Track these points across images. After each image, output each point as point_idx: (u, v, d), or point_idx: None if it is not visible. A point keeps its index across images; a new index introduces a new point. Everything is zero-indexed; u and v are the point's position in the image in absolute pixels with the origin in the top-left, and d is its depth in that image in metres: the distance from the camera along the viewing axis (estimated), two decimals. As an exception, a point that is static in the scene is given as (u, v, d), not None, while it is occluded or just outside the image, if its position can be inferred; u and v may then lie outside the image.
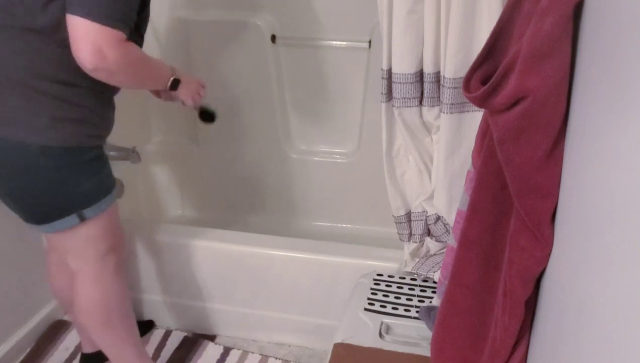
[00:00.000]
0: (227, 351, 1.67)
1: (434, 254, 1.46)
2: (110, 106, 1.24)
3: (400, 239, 1.48)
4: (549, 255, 0.69)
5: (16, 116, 1.09)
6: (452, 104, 1.22)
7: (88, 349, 1.58)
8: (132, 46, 1.10)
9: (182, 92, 1.31)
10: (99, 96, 1.19)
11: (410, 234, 1.46)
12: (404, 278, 1.43)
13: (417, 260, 1.46)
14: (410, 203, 1.43)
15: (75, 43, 1.02)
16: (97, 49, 1.01)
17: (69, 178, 1.16)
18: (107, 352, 1.39)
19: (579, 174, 0.59)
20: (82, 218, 1.20)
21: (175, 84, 1.28)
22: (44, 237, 1.42)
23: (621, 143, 0.46)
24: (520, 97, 0.63)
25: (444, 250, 1.44)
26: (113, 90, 1.23)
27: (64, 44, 1.05)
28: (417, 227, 1.44)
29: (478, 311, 0.86)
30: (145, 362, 1.44)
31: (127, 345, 1.38)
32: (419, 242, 1.46)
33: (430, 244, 1.46)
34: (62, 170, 1.14)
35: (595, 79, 0.56)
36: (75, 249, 1.26)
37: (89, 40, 1.01)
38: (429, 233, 1.46)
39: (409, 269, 1.44)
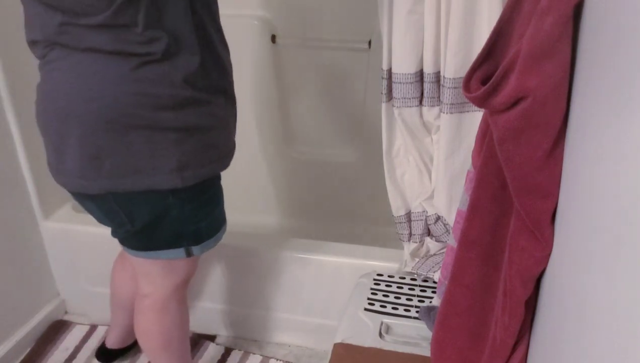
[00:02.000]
0: (228, 352, 1.67)
1: (434, 254, 1.46)
2: (232, 115, 1.15)
3: (400, 239, 1.48)
4: (549, 255, 0.69)
5: (140, 163, 1.00)
6: (452, 104, 1.22)
7: (114, 345, 1.58)
8: None
9: None
10: (222, 108, 1.11)
11: (410, 234, 1.46)
12: (404, 278, 1.43)
13: (417, 260, 1.46)
14: (410, 204, 1.43)
15: None
16: None
17: (190, 216, 1.10)
18: None
19: (579, 174, 0.59)
20: (189, 254, 1.15)
21: None
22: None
23: (621, 143, 0.46)
24: (520, 97, 0.63)
25: (444, 250, 1.44)
26: (229, 96, 1.13)
27: (173, 52, 0.96)
28: (417, 227, 1.44)
29: (478, 311, 0.86)
30: None
31: None
32: (419, 242, 1.46)
33: (430, 244, 1.46)
34: (185, 207, 1.08)
35: (595, 79, 0.56)
36: (153, 276, 1.21)
37: None
38: (429, 233, 1.46)
39: (409, 269, 1.44)
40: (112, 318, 1.57)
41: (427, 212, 1.41)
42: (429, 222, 1.43)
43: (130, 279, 1.42)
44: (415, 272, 1.43)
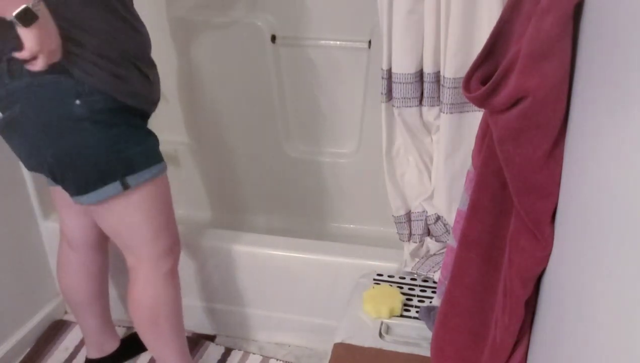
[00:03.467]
0: (228, 352, 1.67)
1: (434, 254, 1.46)
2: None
3: (400, 239, 1.48)
4: (549, 255, 0.69)
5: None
6: (452, 104, 1.22)
7: (93, 354, 1.57)
8: None
9: (35, 32, 0.95)
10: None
11: (410, 234, 1.46)
12: (404, 278, 1.43)
13: (417, 260, 1.46)
14: (410, 204, 1.43)
15: None
16: None
17: (116, 140, 1.14)
18: (150, 348, 1.41)
19: (579, 173, 0.59)
20: (126, 186, 1.16)
21: (29, 18, 0.94)
22: (61, 229, 1.42)
23: (621, 143, 0.46)
24: (520, 97, 0.63)
25: (444, 250, 1.44)
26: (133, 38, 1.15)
27: None
28: (417, 227, 1.44)
29: (478, 311, 0.86)
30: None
31: (170, 346, 1.38)
32: (419, 242, 1.46)
33: (430, 244, 1.46)
34: (108, 132, 1.12)
35: (595, 79, 0.56)
36: (136, 247, 1.26)
37: None
38: (428, 233, 1.46)
39: (409, 269, 1.44)
40: (80, 327, 1.56)
41: (427, 212, 1.41)
42: (429, 222, 1.42)
43: (65, 274, 1.44)
44: (415, 272, 1.43)
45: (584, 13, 0.62)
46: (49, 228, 1.71)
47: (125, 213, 1.21)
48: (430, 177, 1.39)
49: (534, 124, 0.64)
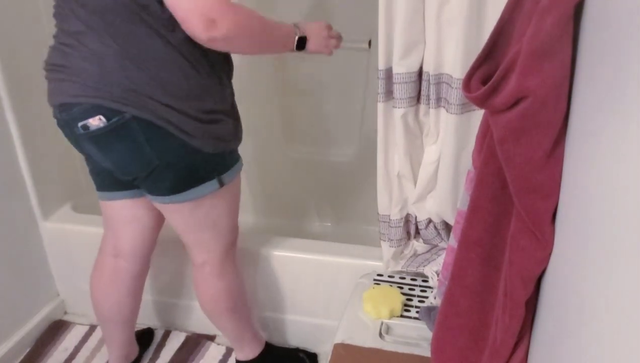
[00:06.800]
0: (229, 352, 1.67)
1: (422, 253, 1.44)
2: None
3: (381, 239, 1.45)
4: (549, 255, 0.69)
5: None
6: (463, 105, 1.19)
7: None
8: (242, 8, 1.04)
9: (312, 47, 1.21)
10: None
11: (389, 238, 1.43)
12: (404, 278, 1.42)
13: (405, 259, 1.44)
14: (394, 208, 1.40)
15: (184, 20, 0.99)
16: (207, 19, 0.98)
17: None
18: (229, 335, 1.49)
19: (580, 173, 0.59)
20: (221, 184, 1.21)
21: (302, 43, 1.19)
22: (110, 244, 1.39)
23: (621, 143, 0.46)
24: (521, 97, 0.63)
25: (433, 248, 1.44)
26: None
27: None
28: (396, 233, 1.41)
29: (478, 311, 0.86)
30: (259, 341, 1.54)
31: (247, 327, 1.48)
32: (396, 247, 1.43)
33: (418, 247, 1.44)
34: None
35: (595, 78, 0.56)
36: (206, 242, 1.31)
37: (197, 14, 0.97)
38: (408, 238, 1.43)
39: (391, 269, 1.43)
40: (106, 337, 1.51)
41: (417, 217, 1.39)
42: (420, 227, 1.40)
43: (110, 290, 1.42)
44: (405, 269, 1.43)
45: (584, 13, 0.62)
46: (48, 229, 1.71)
47: (214, 208, 1.25)
48: (415, 183, 1.36)
49: (534, 124, 0.64)
